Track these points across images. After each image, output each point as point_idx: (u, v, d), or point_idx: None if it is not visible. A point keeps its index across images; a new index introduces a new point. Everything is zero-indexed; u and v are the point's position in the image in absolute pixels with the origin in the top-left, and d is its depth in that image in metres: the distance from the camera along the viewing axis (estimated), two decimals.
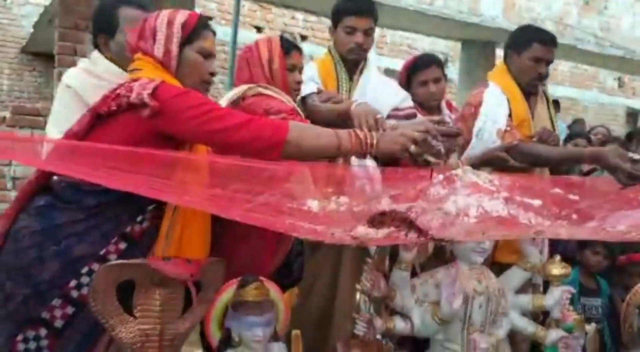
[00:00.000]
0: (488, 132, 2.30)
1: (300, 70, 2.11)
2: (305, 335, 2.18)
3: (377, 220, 1.34)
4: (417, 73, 2.53)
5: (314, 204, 1.58)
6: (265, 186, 1.40)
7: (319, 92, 2.32)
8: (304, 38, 8.87)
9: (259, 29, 8.78)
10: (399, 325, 1.76)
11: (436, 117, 2.07)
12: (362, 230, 1.34)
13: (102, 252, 1.44)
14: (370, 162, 2.18)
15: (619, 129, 10.21)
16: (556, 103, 6.98)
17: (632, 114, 11.52)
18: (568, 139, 4.11)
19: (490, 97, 2.37)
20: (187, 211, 1.48)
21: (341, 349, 1.77)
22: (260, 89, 1.93)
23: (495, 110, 2.33)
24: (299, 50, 2.13)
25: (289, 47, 2.06)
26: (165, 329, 1.49)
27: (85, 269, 1.43)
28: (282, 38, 2.09)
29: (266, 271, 1.77)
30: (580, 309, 2.70)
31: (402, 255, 1.76)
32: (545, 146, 2.26)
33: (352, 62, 2.41)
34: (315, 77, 2.37)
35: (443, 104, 2.60)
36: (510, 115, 2.35)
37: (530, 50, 2.37)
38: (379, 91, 2.40)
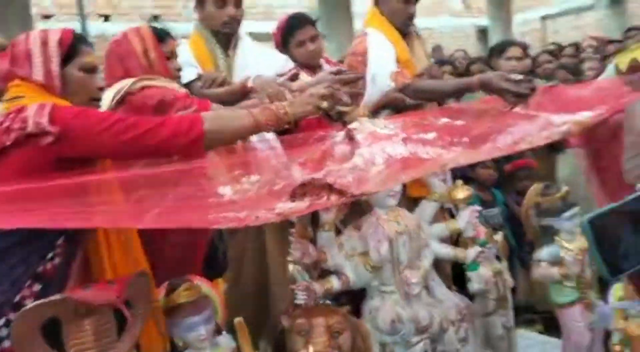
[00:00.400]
0: (380, 76, 2.33)
1: (176, 56, 2.01)
2: (245, 317, 2.19)
3: (298, 192, 1.34)
4: (293, 34, 2.51)
5: (226, 190, 1.54)
6: (172, 187, 1.34)
7: (200, 77, 2.23)
8: (156, 18, 8.41)
9: (106, 18, 8.17)
10: (336, 283, 1.80)
11: (334, 68, 2.07)
12: (284, 205, 1.34)
13: (16, 299, 1.33)
14: (269, 135, 2.17)
15: (474, 48, 10.94)
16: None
17: (481, 31, 12.36)
18: None
19: (374, 42, 2.39)
20: (107, 233, 1.41)
21: (286, 321, 1.78)
22: (146, 82, 1.81)
23: (382, 54, 2.36)
24: (172, 36, 2.02)
25: (162, 34, 1.95)
26: None
27: (1, 321, 1.31)
28: (151, 26, 1.98)
29: (198, 268, 1.72)
30: (484, 221, 2.93)
31: (322, 217, 1.79)
32: (437, 81, 2.35)
33: (224, 37, 2.32)
34: (191, 61, 2.26)
35: (322, 61, 2.60)
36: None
37: None
38: (259, 61, 2.35)
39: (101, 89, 1.63)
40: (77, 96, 1.49)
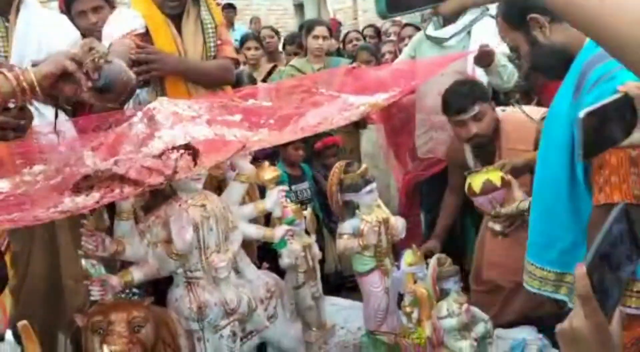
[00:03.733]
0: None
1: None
2: (37, 316, 1.96)
3: (83, 186, 1.20)
4: (75, 2, 2.25)
5: (4, 185, 1.33)
6: None
7: None
8: None
9: None
10: (137, 275, 1.70)
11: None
12: (70, 202, 1.19)
13: None
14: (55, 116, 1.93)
15: (292, 22, 11.13)
16: (232, 7, 7.15)
17: (298, 6, 12.60)
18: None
19: (112, 17, 2.22)
20: None
21: (79, 319, 1.63)
22: None
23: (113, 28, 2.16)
24: None
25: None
26: None
27: None
28: None
29: None
30: (294, 196, 3.03)
31: (120, 205, 1.65)
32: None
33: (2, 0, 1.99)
34: None
35: None
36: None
37: None
38: (46, 33, 2.06)
39: None
40: None
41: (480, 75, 2.81)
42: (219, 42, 2.22)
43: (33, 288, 2.04)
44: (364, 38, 4.86)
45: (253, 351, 2.01)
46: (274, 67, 4.12)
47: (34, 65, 1.39)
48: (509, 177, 1.99)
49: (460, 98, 2.51)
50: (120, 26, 2.11)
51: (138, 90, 2.18)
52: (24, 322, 1.56)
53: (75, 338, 1.70)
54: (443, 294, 2.10)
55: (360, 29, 6.18)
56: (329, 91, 2.17)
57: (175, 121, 1.65)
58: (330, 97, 2.07)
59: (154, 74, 2.11)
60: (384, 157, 3.73)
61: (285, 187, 2.09)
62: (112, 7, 2.41)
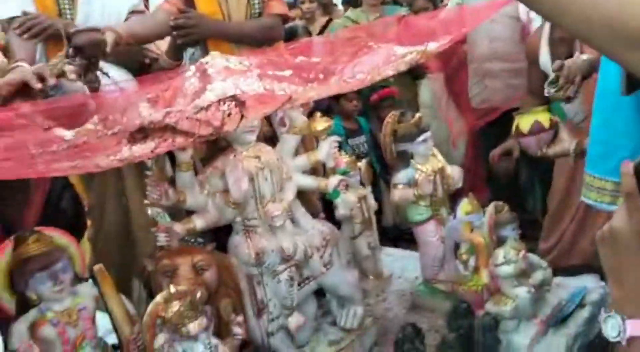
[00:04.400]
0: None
1: None
2: (112, 261, 2.14)
3: (138, 136, 1.28)
4: None
5: (67, 134, 1.44)
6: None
7: (25, 14, 2.00)
8: None
9: None
10: (199, 223, 1.80)
11: None
12: (127, 150, 1.28)
13: None
14: (118, 76, 2.04)
15: None
16: None
17: None
18: None
19: None
20: None
21: (149, 264, 1.77)
22: None
23: None
24: None
25: None
26: None
27: None
28: None
29: (31, 220, 1.63)
30: (350, 150, 3.06)
31: (179, 156, 1.75)
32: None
33: None
34: None
35: None
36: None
37: None
38: None
39: None
40: None
41: (535, 18, 2.68)
42: None
43: (107, 236, 2.21)
44: None
45: (311, 295, 2.09)
46: (329, 20, 4.09)
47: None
48: (556, 118, 1.96)
49: None
50: None
51: (192, 49, 2.24)
52: (99, 265, 1.71)
53: (148, 282, 1.84)
54: (500, 242, 2.09)
55: None
56: (378, 44, 2.15)
57: (227, 75, 1.70)
58: (379, 49, 2.05)
59: (194, 38, 2.14)
60: (441, 108, 3.66)
61: (338, 138, 2.11)
62: None
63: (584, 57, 1.89)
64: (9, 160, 1.25)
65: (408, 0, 4.06)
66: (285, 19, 2.35)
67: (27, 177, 1.41)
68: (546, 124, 1.98)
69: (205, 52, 2.13)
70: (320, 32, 3.94)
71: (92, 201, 2.23)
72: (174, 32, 2.05)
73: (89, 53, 1.72)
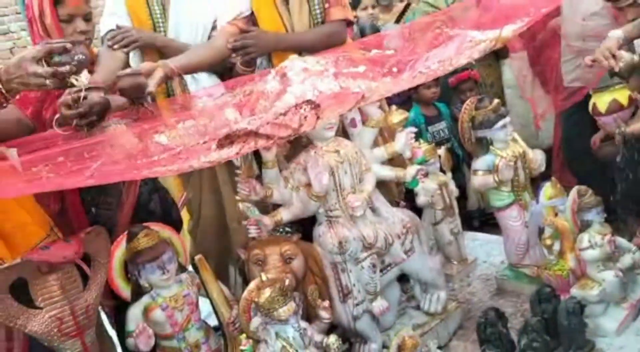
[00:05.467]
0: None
1: (87, 15, 1.94)
2: (210, 252, 2.34)
3: (225, 142, 1.43)
4: None
5: (162, 139, 1.63)
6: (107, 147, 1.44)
7: (119, 28, 2.21)
8: None
9: None
10: (285, 215, 1.94)
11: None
12: (216, 154, 1.43)
13: None
14: (207, 81, 2.21)
15: None
16: None
17: None
18: None
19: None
20: None
21: (242, 253, 1.94)
22: None
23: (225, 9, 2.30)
24: None
25: None
26: (75, 306, 1.55)
27: None
28: None
29: (125, 220, 1.84)
30: (430, 136, 3.08)
31: (264, 155, 1.89)
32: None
33: None
34: (115, 8, 2.24)
35: None
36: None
37: None
38: (196, 6, 2.33)
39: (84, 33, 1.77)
40: None
41: None
42: (326, 5, 2.24)
43: (205, 229, 2.43)
44: None
45: (394, 281, 2.17)
46: (407, 5, 4.06)
47: None
48: (636, 95, 1.87)
49: None
50: (230, 9, 2.26)
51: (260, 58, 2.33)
52: (200, 256, 1.91)
53: (242, 269, 2.01)
54: (585, 226, 2.05)
55: None
56: (454, 29, 2.16)
57: (305, 77, 1.81)
58: (454, 36, 2.07)
59: (254, 56, 2.22)
60: (527, 88, 3.56)
61: (414, 129, 2.16)
62: None
63: None
64: (118, 164, 1.44)
65: None
66: (348, 22, 2.37)
67: (133, 179, 1.61)
68: (624, 102, 1.92)
69: (270, 62, 2.23)
70: (398, 19, 3.94)
71: (190, 197, 2.45)
72: (234, 55, 2.16)
73: (132, 94, 1.85)
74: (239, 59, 2.20)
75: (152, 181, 1.99)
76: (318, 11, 2.26)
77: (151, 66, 1.91)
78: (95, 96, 1.56)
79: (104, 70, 1.94)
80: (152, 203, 2.01)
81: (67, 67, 1.39)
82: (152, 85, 1.83)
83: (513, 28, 2.09)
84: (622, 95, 1.94)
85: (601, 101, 1.96)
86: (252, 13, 2.26)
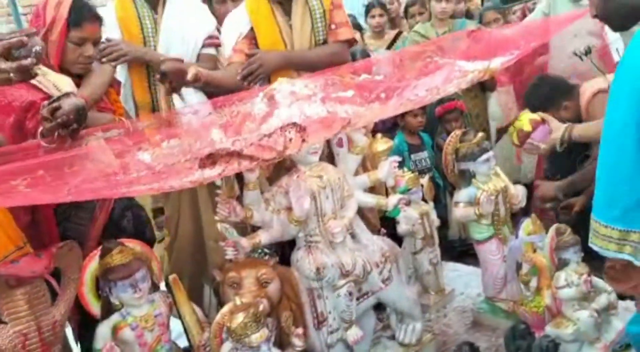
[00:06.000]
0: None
1: (96, 41, 1.95)
2: (186, 271, 2.31)
3: (207, 162, 1.41)
4: None
5: (145, 156, 1.61)
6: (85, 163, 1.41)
7: (108, 41, 2.21)
8: None
9: None
10: (264, 238, 1.91)
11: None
12: (198, 174, 1.41)
13: None
14: (194, 99, 2.21)
15: None
16: None
17: None
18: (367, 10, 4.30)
19: (227, 20, 2.38)
20: None
21: (217, 275, 1.90)
22: None
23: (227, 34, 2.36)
24: (98, 19, 1.93)
25: (78, 18, 1.85)
26: (41, 322, 1.50)
27: None
28: (75, 3, 1.86)
29: (95, 236, 1.81)
30: (412, 165, 3.09)
31: (247, 176, 1.87)
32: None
33: None
34: (108, 22, 2.23)
35: None
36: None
37: None
38: (188, 22, 2.34)
39: (89, 57, 1.83)
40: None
41: (613, 38, 2.61)
42: (333, 26, 2.27)
43: (182, 247, 2.39)
44: None
45: (370, 309, 2.16)
46: (399, 33, 4.12)
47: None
48: (537, 116, 2.16)
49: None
50: (231, 33, 2.30)
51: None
52: (174, 275, 1.88)
53: (217, 290, 1.98)
54: (562, 264, 2.06)
55: None
56: (443, 59, 2.18)
57: (292, 100, 1.81)
58: (443, 65, 2.09)
59: (262, 77, 2.25)
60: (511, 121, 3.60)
61: (398, 158, 2.16)
62: None
63: None
64: (97, 182, 1.42)
65: (478, 13, 4.04)
66: (352, 43, 2.40)
67: (111, 197, 1.58)
68: (529, 128, 2.16)
69: (268, 80, 2.25)
70: (389, 46, 3.99)
71: (169, 214, 2.41)
72: (245, 83, 2.19)
73: (173, 78, 1.89)
74: (252, 85, 2.23)
75: (126, 198, 1.96)
76: (321, 29, 2.29)
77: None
78: (67, 103, 1.54)
79: (92, 84, 1.92)
80: (125, 220, 1.97)
81: (29, 60, 1.37)
82: (190, 74, 1.88)
83: (502, 60, 2.12)
84: (523, 122, 2.19)
85: (521, 123, 2.20)
86: (252, 28, 2.28)
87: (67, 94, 1.58)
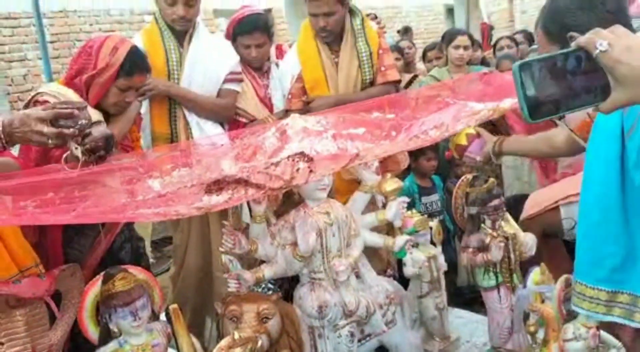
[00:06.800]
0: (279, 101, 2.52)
1: (137, 89, 2.01)
2: (188, 301, 2.29)
3: (214, 188, 1.42)
4: (242, 36, 2.54)
5: (155, 184, 1.62)
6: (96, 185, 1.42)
7: None
8: None
9: None
10: (268, 272, 1.90)
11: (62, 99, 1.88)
12: (206, 200, 1.42)
13: None
14: (213, 131, 2.24)
15: (442, 26, 10.99)
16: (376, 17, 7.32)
17: (449, 10, 12.41)
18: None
19: (283, 62, 2.53)
20: None
21: (219, 308, 1.88)
22: (46, 96, 1.80)
23: (284, 78, 2.50)
24: (147, 70, 1.99)
25: (131, 69, 1.89)
26: (37, 345, 1.49)
27: None
28: (131, 53, 1.90)
29: (92, 264, 1.81)
30: (423, 208, 3.07)
31: (254, 209, 1.88)
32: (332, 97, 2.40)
33: (180, 31, 2.36)
34: None
35: (271, 61, 2.67)
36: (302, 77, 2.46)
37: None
38: (211, 58, 2.40)
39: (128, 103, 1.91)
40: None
41: None
42: (382, 68, 2.40)
43: (188, 276, 2.38)
44: (517, 44, 4.69)
45: None
46: (414, 77, 4.18)
47: None
48: (473, 131, 2.28)
49: None
50: (286, 75, 2.48)
51: None
52: (174, 305, 1.85)
53: (219, 323, 1.95)
54: (570, 316, 2.00)
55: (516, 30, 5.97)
56: (454, 99, 2.20)
57: (304, 136, 1.83)
58: (453, 105, 2.11)
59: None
60: (527, 169, 3.59)
61: (406, 199, 2.16)
62: (271, 40, 2.67)
63: None
64: (101, 205, 1.43)
65: (495, 62, 4.09)
66: (397, 83, 2.51)
67: (116, 220, 1.59)
68: (464, 142, 2.30)
69: None
70: (405, 89, 4.03)
71: (177, 242, 2.41)
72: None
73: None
74: None
75: (127, 230, 1.97)
76: (367, 69, 2.40)
77: None
78: (97, 131, 1.57)
79: (121, 121, 1.96)
80: (124, 252, 1.98)
81: (71, 130, 1.42)
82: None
83: (512, 102, 2.13)
84: (460, 138, 2.31)
85: (458, 139, 2.32)
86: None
87: (97, 122, 1.61)
